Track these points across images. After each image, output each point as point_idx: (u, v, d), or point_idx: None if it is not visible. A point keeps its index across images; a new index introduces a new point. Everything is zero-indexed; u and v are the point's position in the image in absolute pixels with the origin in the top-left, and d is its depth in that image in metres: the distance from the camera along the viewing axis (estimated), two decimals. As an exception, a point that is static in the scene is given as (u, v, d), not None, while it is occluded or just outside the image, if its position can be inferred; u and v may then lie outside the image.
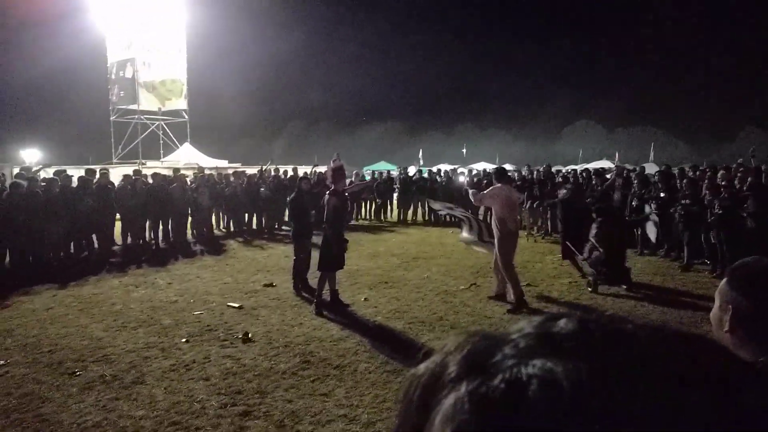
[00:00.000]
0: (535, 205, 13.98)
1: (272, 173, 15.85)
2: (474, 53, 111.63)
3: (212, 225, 14.31)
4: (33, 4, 45.28)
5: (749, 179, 9.51)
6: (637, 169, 14.26)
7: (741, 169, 11.39)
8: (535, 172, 15.78)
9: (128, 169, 15.31)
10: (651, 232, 9.65)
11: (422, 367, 0.37)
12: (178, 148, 32.72)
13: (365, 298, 7.34)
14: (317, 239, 7.30)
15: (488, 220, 8.70)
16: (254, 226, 14.90)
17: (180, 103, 35.04)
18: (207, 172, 15.81)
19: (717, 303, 1.36)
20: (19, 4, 46.99)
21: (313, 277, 7.54)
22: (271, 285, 8.16)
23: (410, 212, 17.28)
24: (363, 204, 18.00)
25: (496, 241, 7.02)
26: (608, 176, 12.55)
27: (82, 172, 12.29)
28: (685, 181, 10.18)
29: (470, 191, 7.50)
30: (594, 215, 8.02)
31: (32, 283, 8.36)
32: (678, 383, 0.31)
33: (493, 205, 7.05)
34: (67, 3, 37.67)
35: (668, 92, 79.23)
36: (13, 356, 5.28)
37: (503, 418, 0.30)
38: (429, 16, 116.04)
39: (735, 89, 75.51)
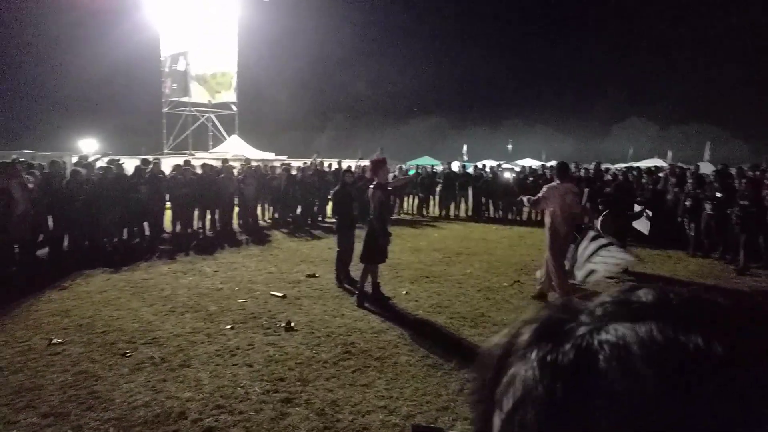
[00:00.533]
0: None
1: (315, 167, 16.01)
2: (522, 48, 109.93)
3: (257, 215, 14.63)
4: (91, 1, 47.11)
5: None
6: (692, 168, 13.72)
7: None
8: (583, 170, 15.38)
9: (179, 160, 15.71)
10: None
11: (497, 337, 0.37)
12: (226, 139, 33.45)
13: (406, 292, 7.33)
14: (360, 232, 7.34)
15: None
16: (298, 216, 15.10)
17: (229, 96, 35.91)
18: (254, 164, 16.11)
19: None
20: (78, 2, 48.97)
21: (355, 269, 7.60)
22: (314, 276, 8.26)
23: (452, 207, 17.16)
24: (405, 198, 18.03)
25: (547, 240, 6.84)
26: (660, 175, 12.12)
27: (136, 162, 12.75)
28: (743, 181, 9.72)
29: (524, 199, 7.24)
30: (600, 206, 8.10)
31: (88, 266, 8.75)
32: (760, 353, 0.29)
33: (554, 207, 6.65)
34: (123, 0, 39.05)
35: (726, 88, 75.86)
36: (70, 335, 5.54)
37: (570, 384, 0.30)
38: (478, 10, 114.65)
39: (800, 85, 71.52)
